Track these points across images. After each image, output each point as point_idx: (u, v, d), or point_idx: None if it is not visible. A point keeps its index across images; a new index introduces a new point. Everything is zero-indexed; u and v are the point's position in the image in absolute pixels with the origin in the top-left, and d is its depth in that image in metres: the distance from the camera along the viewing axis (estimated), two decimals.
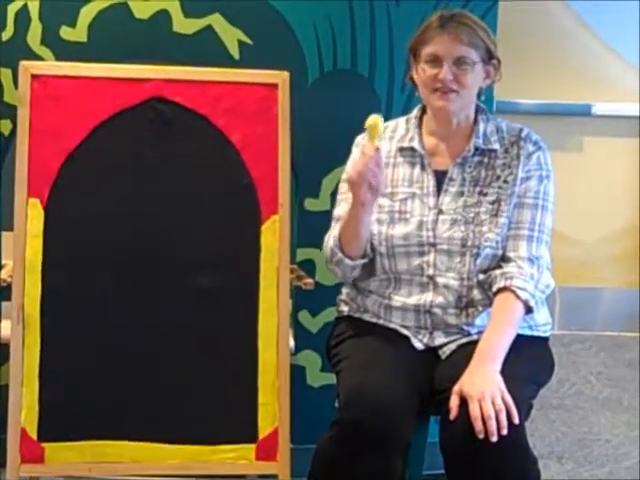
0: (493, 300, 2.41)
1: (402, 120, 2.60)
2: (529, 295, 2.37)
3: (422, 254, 2.46)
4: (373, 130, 2.34)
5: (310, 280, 2.84)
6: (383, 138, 2.54)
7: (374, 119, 2.35)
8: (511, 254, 2.44)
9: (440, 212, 2.46)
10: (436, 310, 2.46)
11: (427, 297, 2.46)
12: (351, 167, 2.43)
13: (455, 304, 2.46)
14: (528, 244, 2.44)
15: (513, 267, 2.41)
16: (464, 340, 2.45)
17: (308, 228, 3.00)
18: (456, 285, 2.45)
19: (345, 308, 2.61)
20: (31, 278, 2.66)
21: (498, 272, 2.41)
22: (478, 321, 2.45)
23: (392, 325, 2.50)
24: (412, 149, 2.52)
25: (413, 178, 2.51)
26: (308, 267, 3.01)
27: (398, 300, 2.49)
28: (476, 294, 2.45)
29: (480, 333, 2.40)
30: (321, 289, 2.96)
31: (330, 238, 2.52)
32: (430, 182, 2.49)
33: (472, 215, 2.45)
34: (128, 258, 2.69)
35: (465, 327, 2.46)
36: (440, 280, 2.45)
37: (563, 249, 3.62)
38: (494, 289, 2.40)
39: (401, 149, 2.54)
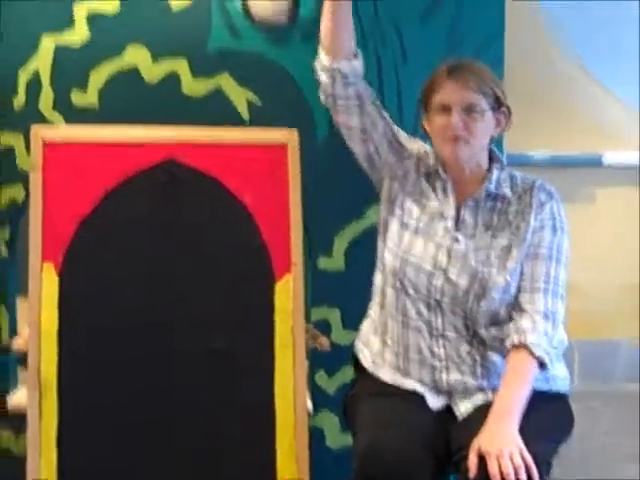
0: (507, 355, 2.40)
1: (426, 146, 2.61)
2: (543, 352, 2.36)
3: (432, 276, 2.45)
4: None
5: (326, 340, 2.82)
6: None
7: None
8: (527, 306, 2.42)
9: (456, 241, 2.45)
10: (449, 334, 2.45)
11: (438, 323, 2.46)
12: None
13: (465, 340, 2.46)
14: (544, 298, 2.42)
15: (528, 321, 2.39)
16: (481, 401, 2.43)
17: (322, 287, 2.99)
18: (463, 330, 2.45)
19: (363, 354, 2.60)
20: (47, 344, 2.65)
21: (512, 327, 2.40)
22: (495, 380, 2.44)
23: (408, 384, 2.49)
24: (437, 173, 2.53)
25: (439, 200, 2.51)
26: (323, 327, 3.00)
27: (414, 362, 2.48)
28: (484, 332, 2.44)
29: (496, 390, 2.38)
30: (337, 349, 2.94)
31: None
32: (450, 211, 2.49)
33: (482, 258, 2.44)
34: (143, 322, 2.69)
35: (478, 362, 2.45)
36: (448, 334, 2.45)
37: (579, 301, 3.58)
38: (507, 345, 2.39)
39: (428, 172, 2.55)
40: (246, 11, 3.08)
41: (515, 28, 3.43)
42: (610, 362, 3.82)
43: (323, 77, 2.55)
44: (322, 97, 2.60)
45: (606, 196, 3.80)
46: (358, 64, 2.54)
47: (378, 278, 2.58)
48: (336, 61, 2.52)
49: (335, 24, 2.50)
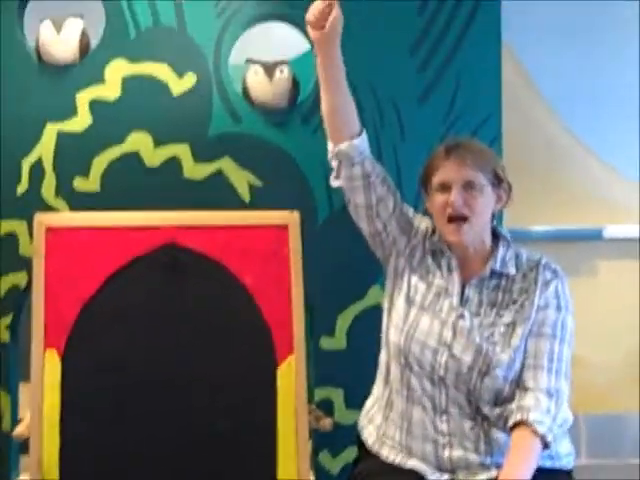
0: (510, 433, 2.38)
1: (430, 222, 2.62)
2: (547, 429, 2.34)
3: (436, 352, 2.45)
4: None
5: (329, 421, 2.81)
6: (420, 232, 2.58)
7: None
8: (530, 384, 2.41)
9: (461, 317, 2.45)
10: (452, 410, 2.44)
11: (442, 399, 2.45)
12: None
13: (468, 416, 2.44)
14: (548, 376, 2.42)
15: (530, 399, 2.38)
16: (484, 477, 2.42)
17: (325, 367, 3.00)
18: (466, 406, 2.44)
19: (367, 430, 2.60)
20: (49, 429, 2.64)
21: (514, 405, 2.39)
22: (498, 457, 2.42)
23: (410, 464, 2.48)
24: (442, 251, 2.54)
25: (444, 278, 2.51)
26: (326, 406, 2.99)
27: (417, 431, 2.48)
28: (487, 410, 2.43)
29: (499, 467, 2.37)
30: (340, 429, 2.93)
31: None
32: (455, 288, 2.49)
33: (486, 335, 2.44)
34: (146, 407, 2.68)
35: (482, 438, 2.44)
36: (452, 410, 2.44)
37: (585, 375, 3.58)
38: (510, 423, 2.38)
39: (433, 250, 2.56)
40: (246, 95, 3.12)
41: (512, 105, 3.48)
42: (617, 436, 3.79)
43: (332, 163, 2.58)
44: (331, 182, 2.61)
45: (607, 269, 3.81)
46: (360, 142, 2.54)
47: (383, 353, 2.58)
48: (338, 145, 2.54)
49: (331, 105, 2.52)
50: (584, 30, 3.75)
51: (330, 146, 2.55)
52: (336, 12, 2.42)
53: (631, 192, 3.82)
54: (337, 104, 2.52)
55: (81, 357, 2.68)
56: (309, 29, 2.46)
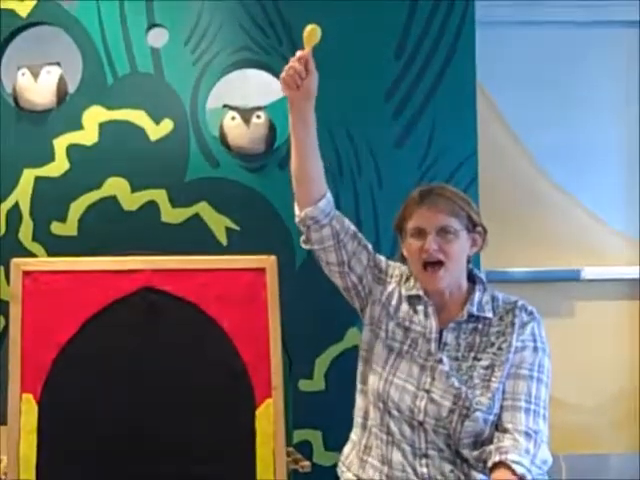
0: (489, 474, 2.37)
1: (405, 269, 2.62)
2: (525, 470, 2.32)
3: (415, 397, 2.45)
4: (310, 37, 2.40)
5: (307, 463, 2.80)
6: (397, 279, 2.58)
7: (312, 27, 2.40)
8: (509, 426, 2.41)
9: (440, 362, 2.46)
10: (431, 453, 2.43)
11: (421, 443, 2.45)
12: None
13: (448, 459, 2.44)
14: (526, 417, 2.41)
15: (509, 440, 2.38)
16: None
17: (303, 409, 2.99)
18: (446, 451, 2.44)
19: (346, 476, 2.58)
20: (26, 474, 2.62)
21: (493, 447, 2.39)
22: None
23: None
24: (418, 297, 2.54)
25: (421, 323, 2.51)
26: (305, 449, 2.99)
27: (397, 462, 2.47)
28: (466, 452, 2.43)
29: None
30: (319, 470, 2.92)
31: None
32: (433, 333, 2.49)
33: (465, 378, 2.44)
34: (124, 448, 2.67)
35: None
36: (431, 452, 2.44)
37: (564, 416, 3.59)
38: (489, 464, 2.37)
39: (409, 296, 2.56)
40: (223, 140, 3.14)
41: (489, 148, 3.51)
42: (598, 477, 3.79)
43: (300, 227, 2.57)
44: (302, 245, 2.60)
45: (585, 309, 3.84)
46: (325, 204, 2.52)
47: (359, 399, 2.58)
48: (304, 209, 2.52)
49: (300, 165, 2.50)
50: (560, 75, 3.81)
51: (297, 210, 2.54)
52: (312, 74, 2.43)
53: (608, 236, 3.86)
54: (307, 165, 2.50)
55: (57, 402, 2.67)
56: (283, 87, 2.44)
